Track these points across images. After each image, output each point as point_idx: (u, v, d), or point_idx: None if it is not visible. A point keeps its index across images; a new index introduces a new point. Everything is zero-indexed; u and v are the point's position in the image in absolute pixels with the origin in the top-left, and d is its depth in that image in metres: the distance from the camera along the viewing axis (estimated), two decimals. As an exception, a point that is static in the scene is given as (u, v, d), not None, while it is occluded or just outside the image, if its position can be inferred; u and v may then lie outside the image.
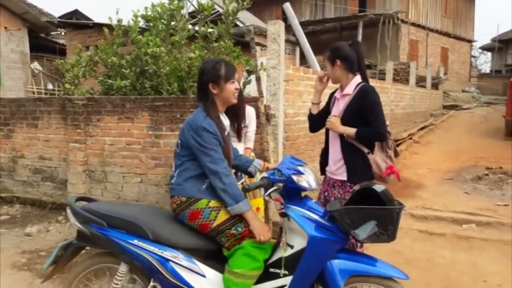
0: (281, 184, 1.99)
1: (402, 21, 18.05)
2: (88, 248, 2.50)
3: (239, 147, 3.74)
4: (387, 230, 1.98)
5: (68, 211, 2.27)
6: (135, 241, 2.09)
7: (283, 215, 2.05)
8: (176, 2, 5.29)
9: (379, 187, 2.05)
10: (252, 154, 3.91)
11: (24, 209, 5.50)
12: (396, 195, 5.03)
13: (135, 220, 2.13)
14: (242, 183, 3.57)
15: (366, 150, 2.56)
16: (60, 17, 17.21)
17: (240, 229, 2.10)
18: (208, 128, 2.08)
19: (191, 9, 14.35)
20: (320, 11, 20.64)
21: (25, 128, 5.76)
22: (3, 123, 5.87)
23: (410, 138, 9.63)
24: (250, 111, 3.84)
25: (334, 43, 2.70)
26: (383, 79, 10.69)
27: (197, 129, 2.08)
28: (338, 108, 2.61)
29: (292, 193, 2.07)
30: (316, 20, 18.88)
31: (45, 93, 13.99)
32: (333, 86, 2.73)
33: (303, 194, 2.15)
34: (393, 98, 9.74)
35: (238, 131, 3.69)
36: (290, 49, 13.12)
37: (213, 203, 2.12)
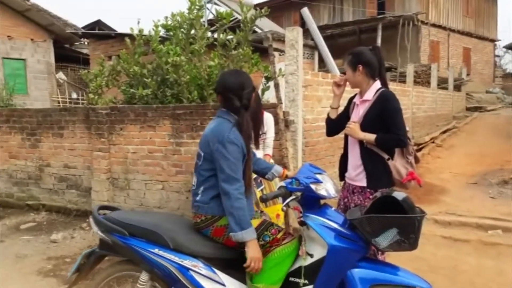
0: (299, 193, 2.00)
1: (422, 22, 17.75)
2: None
3: (258, 154, 3.76)
4: (409, 239, 1.96)
5: (91, 220, 2.33)
6: (156, 250, 2.13)
7: (302, 223, 2.05)
8: (195, 11, 5.38)
9: (400, 194, 2.03)
10: (272, 160, 3.92)
11: (50, 216, 5.67)
12: (419, 200, 4.94)
13: (155, 229, 2.17)
14: (261, 190, 3.58)
15: (386, 156, 2.54)
16: (83, 28, 17.69)
17: (267, 238, 2.10)
18: (235, 141, 2.08)
19: (210, 16, 14.52)
20: (338, 15, 20.53)
21: (51, 138, 5.94)
22: (30, 133, 6.08)
23: (433, 142, 9.43)
24: (268, 117, 3.86)
25: (353, 46, 2.69)
26: (404, 81, 10.53)
27: (223, 141, 2.06)
28: (358, 114, 2.60)
29: (311, 202, 2.07)
30: (334, 24, 18.76)
31: (70, 102, 14.41)
32: (352, 90, 2.71)
33: (322, 202, 2.14)
34: (414, 101, 9.58)
35: (256, 138, 3.70)
36: (308, 54, 13.09)
37: None
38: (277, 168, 2.54)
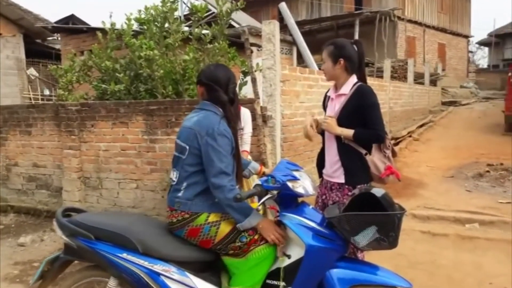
0: (275, 192, 1.89)
1: (399, 18, 17.97)
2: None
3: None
4: (388, 237, 1.89)
5: (55, 223, 2.18)
6: (124, 255, 2.00)
7: (279, 223, 1.96)
8: (169, 4, 5.21)
9: (378, 191, 1.96)
10: (249, 157, 3.82)
11: (18, 218, 5.42)
12: (397, 195, 4.92)
13: (123, 232, 2.04)
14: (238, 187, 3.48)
15: (363, 151, 2.48)
16: (56, 22, 17.07)
17: (244, 239, 2.00)
18: (225, 133, 2.00)
19: (187, 11, 14.26)
20: (316, 10, 20.57)
21: (18, 136, 5.67)
22: (-4, 131, 5.78)
23: (410, 136, 9.54)
24: (245, 113, 3.75)
25: (335, 38, 2.60)
26: (381, 77, 10.61)
27: (213, 133, 1.97)
28: (333, 108, 2.53)
29: (288, 200, 1.98)
30: (312, 19, 18.80)
31: (42, 99, 13.89)
32: (327, 85, 2.64)
33: (299, 200, 2.05)
34: (391, 96, 9.66)
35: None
36: (287, 49, 13.03)
37: (212, 217, 2.01)
38: (254, 165, 2.45)
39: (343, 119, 2.41)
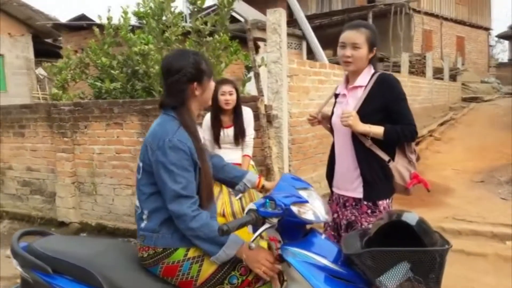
0: (275, 220, 1.41)
1: (414, 10, 17.22)
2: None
3: (237, 154, 3.21)
4: (426, 278, 1.42)
5: (10, 251, 1.80)
6: (86, 294, 1.59)
7: (281, 259, 1.49)
8: (166, -6, 4.79)
9: (411, 217, 1.50)
10: (252, 162, 3.37)
11: (12, 225, 5.12)
12: (422, 203, 4.32)
13: (87, 265, 1.63)
14: (240, 199, 3.03)
15: (386, 158, 2.02)
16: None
17: (235, 281, 1.56)
18: (180, 145, 1.53)
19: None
20: (326, 4, 19.90)
21: (12, 138, 5.37)
22: (-12, 132, 5.48)
23: (431, 135, 8.92)
24: (246, 112, 3.29)
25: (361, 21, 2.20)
26: (398, 71, 10.03)
27: (164, 147, 1.52)
28: (347, 104, 2.07)
29: (292, 229, 1.50)
30: (322, 13, 18.17)
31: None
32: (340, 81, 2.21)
33: (307, 227, 1.59)
34: (409, 92, 9.07)
35: (241, 136, 3.18)
36: (296, 44, 12.53)
37: (193, 251, 1.58)
38: (250, 177, 1.93)
39: (366, 115, 1.94)
